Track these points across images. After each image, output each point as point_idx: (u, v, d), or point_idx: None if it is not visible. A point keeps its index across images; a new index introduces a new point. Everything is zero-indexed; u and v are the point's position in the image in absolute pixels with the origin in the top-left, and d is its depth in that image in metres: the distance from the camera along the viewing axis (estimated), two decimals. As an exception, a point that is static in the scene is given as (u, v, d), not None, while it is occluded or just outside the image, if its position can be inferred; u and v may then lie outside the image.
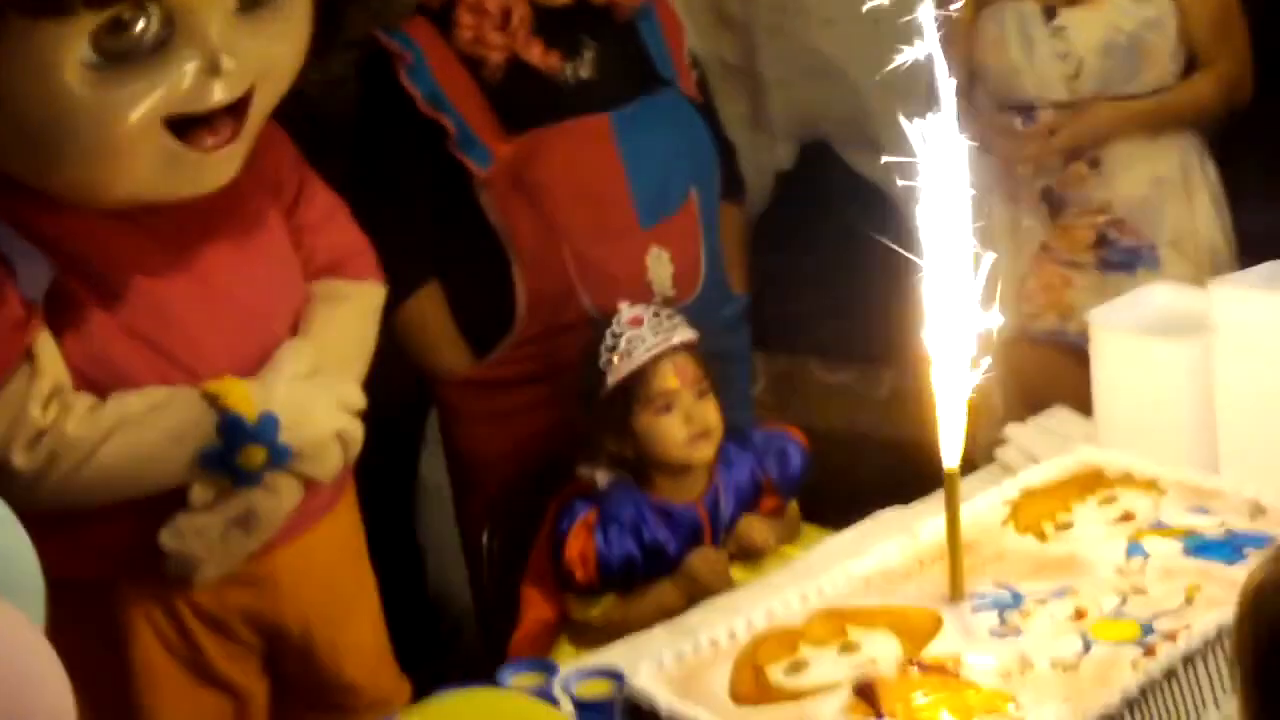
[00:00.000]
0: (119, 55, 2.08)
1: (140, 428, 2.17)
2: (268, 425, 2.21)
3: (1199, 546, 2.05)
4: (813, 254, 3.69)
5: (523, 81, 2.79)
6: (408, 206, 2.81)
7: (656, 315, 2.60)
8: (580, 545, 2.54)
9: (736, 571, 2.57)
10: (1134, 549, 2.07)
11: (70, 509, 2.17)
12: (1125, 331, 2.38)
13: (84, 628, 2.20)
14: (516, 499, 2.77)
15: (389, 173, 2.81)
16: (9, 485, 2.07)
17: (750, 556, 2.59)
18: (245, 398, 2.21)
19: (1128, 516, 2.16)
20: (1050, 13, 2.99)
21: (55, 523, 2.00)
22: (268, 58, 2.22)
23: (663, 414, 2.56)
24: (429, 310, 2.86)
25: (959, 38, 2.99)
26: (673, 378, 2.56)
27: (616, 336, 2.57)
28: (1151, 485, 2.22)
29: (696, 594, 2.44)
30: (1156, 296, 2.49)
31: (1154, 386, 2.33)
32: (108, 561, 2.26)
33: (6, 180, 2.16)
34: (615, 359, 2.56)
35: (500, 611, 2.68)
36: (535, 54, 2.79)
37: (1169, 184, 3.03)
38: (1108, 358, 2.39)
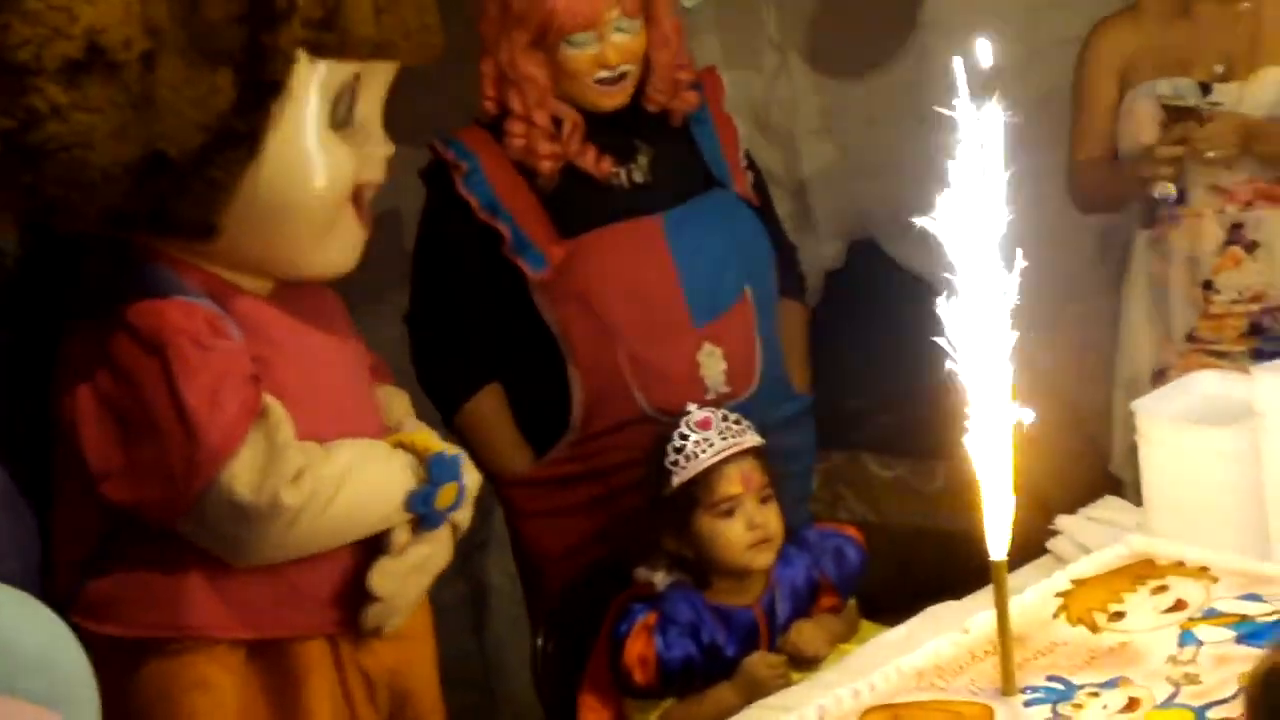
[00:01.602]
0: (339, 120, 2.22)
1: (363, 470, 2.25)
2: (457, 463, 2.36)
3: (1252, 633, 2.05)
4: (863, 350, 3.72)
5: (577, 186, 2.85)
6: (467, 309, 2.87)
7: (725, 419, 2.62)
8: (640, 648, 2.55)
9: (793, 674, 2.57)
10: (1186, 637, 2.07)
11: (305, 552, 2.24)
12: (1172, 419, 2.38)
13: (269, 698, 2.28)
14: (575, 601, 2.79)
15: (450, 277, 2.88)
16: (268, 527, 2.16)
17: (804, 665, 2.59)
18: (436, 443, 2.37)
19: (1180, 605, 2.16)
20: (1205, 89, 3.05)
21: (272, 574, 2.15)
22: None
23: (725, 518, 2.57)
24: (490, 411, 2.91)
25: (1100, 118, 3.11)
26: (738, 483, 2.58)
27: (684, 438, 2.60)
28: (1203, 573, 2.22)
29: (755, 697, 2.44)
30: (1204, 384, 2.49)
31: (1202, 473, 2.32)
32: (313, 614, 2.31)
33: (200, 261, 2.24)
34: (682, 460, 2.59)
35: (561, 717, 2.69)
36: (589, 161, 2.85)
37: None
38: (1156, 445, 2.39)
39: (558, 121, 2.84)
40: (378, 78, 2.28)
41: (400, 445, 2.33)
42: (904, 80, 3.67)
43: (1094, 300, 3.50)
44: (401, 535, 2.30)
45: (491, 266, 2.84)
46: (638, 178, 2.89)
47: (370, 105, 2.28)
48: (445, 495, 2.32)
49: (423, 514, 2.31)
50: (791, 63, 3.95)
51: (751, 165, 3.06)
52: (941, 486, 3.73)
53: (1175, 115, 3.02)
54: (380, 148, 2.30)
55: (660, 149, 2.91)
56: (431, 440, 2.38)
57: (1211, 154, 3.00)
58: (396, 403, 2.52)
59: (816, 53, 3.93)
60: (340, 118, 2.22)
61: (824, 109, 3.94)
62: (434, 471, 2.31)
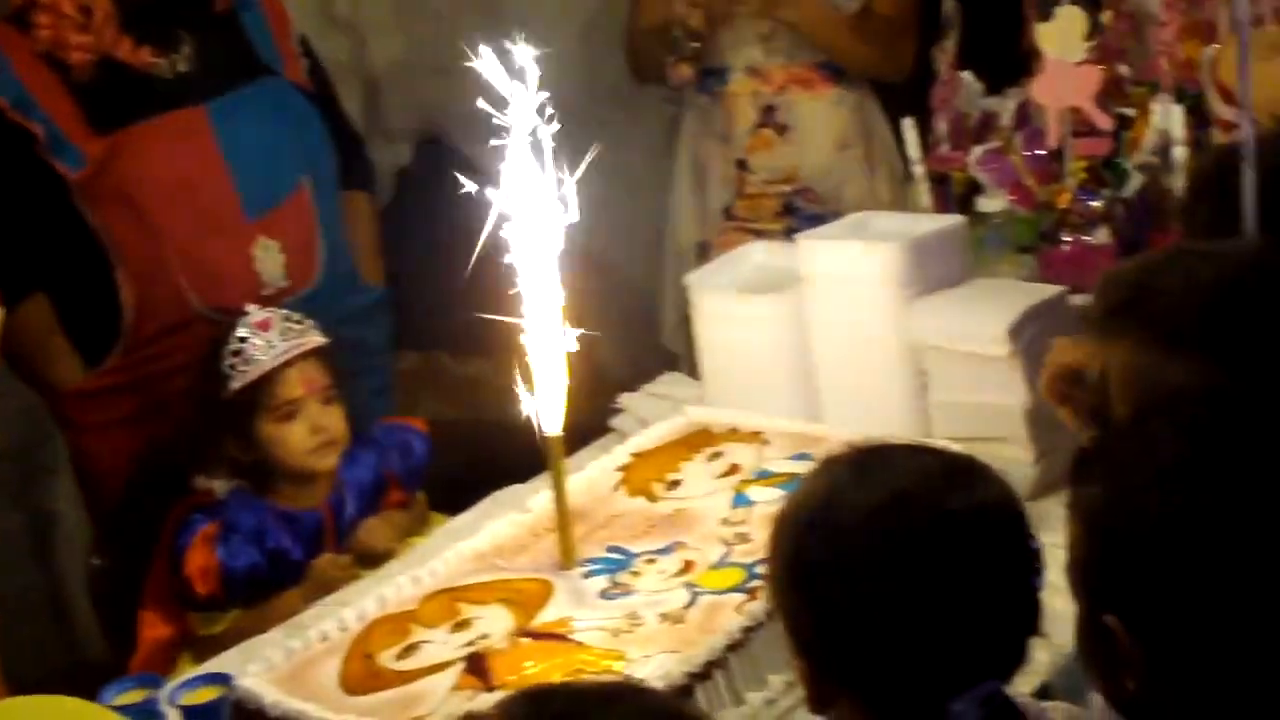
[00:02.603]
0: None
1: None
2: None
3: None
4: (435, 249, 3.66)
5: (115, 79, 2.68)
6: (1, 217, 2.68)
7: (286, 319, 2.52)
8: (201, 558, 2.44)
9: (364, 572, 2.51)
10: (739, 499, 2.10)
11: None
12: (722, 290, 2.41)
13: None
14: (131, 514, 2.65)
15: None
16: None
17: (372, 562, 2.54)
18: None
19: (734, 469, 2.19)
20: None
21: None
22: None
23: (286, 421, 2.49)
24: (36, 322, 2.72)
25: None
26: (299, 385, 2.49)
27: (243, 340, 2.49)
28: (756, 437, 2.26)
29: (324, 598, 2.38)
30: (754, 255, 2.53)
31: (754, 342, 2.37)
32: None
33: None
34: (240, 363, 2.48)
35: (121, 636, 2.56)
36: (125, 50, 2.69)
37: (852, 153, 3.16)
38: (708, 318, 2.42)
39: (88, 10, 2.67)
40: None
41: None
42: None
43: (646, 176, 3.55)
44: None
45: (26, 169, 2.66)
46: (181, 67, 2.74)
47: None
48: None
49: None
50: (355, -47, 3.85)
51: (308, 52, 2.95)
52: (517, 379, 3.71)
53: None
54: None
55: (203, 36, 2.77)
56: None
57: (739, 10, 3.06)
58: None
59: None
60: None
61: (394, 3, 3.84)
62: None
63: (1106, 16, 2.78)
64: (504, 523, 2.12)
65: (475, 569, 2.04)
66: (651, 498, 2.16)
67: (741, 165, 3.21)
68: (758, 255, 2.50)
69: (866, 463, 1.43)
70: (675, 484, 2.18)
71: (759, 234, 3.11)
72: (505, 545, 2.08)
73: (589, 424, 2.49)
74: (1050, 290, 2.25)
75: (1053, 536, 1.38)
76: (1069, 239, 2.61)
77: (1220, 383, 1.48)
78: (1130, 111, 2.72)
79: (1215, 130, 2.58)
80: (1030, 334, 2.15)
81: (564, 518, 2.01)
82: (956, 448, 2.03)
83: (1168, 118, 2.61)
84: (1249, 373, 1.47)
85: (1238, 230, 1.70)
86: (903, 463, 1.42)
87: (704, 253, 3.20)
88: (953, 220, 2.37)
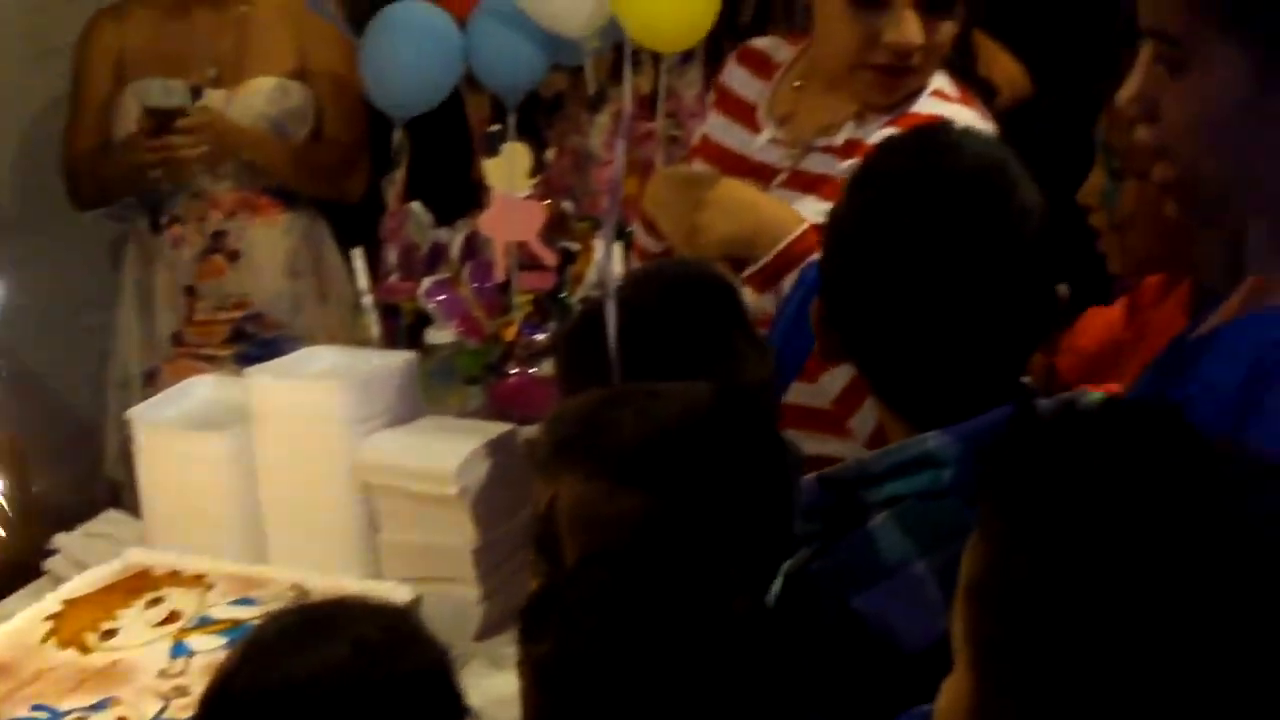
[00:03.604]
0: None
1: None
2: None
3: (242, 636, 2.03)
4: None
5: None
6: None
7: None
8: None
9: None
10: (179, 649, 2.02)
11: None
12: (166, 425, 2.33)
13: None
14: None
15: None
16: None
17: None
18: None
19: (174, 616, 2.10)
20: (197, 92, 3.07)
21: None
22: None
23: None
24: None
25: (92, 112, 3.15)
26: None
27: None
28: (199, 580, 2.18)
29: None
30: (201, 388, 2.46)
31: (199, 479, 2.29)
32: None
33: None
34: None
35: None
36: None
37: (304, 280, 3.16)
38: (151, 454, 2.33)
39: None
40: None
41: None
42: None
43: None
44: None
45: None
46: None
47: None
48: None
49: None
50: None
51: None
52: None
53: (160, 117, 2.99)
54: None
55: None
56: None
57: (188, 153, 3.01)
58: None
59: None
60: None
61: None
62: None
63: (551, 153, 2.88)
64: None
65: None
66: (84, 649, 2.04)
67: (190, 291, 3.14)
68: (205, 388, 2.43)
69: (306, 623, 1.41)
70: (111, 633, 2.07)
71: (210, 360, 3.05)
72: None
73: (22, 566, 2.35)
74: (498, 428, 2.29)
75: (507, 677, 1.38)
76: (515, 371, 2.68)
77: (661, 518, 1.53)
78: (574, 246, 2.82)
79: (633, 257, 2.67)
80: (478, 473, 2.18)
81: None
82: (405, 590, 2.06)
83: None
84: (688, 508, 1.53)
85: (607, 373, 1.76)
86: (345, 627, 1.40)
87: (152, 379, 3.11)
88: (402, 356, 2.38)
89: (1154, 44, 1.33)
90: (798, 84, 2.22)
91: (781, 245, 1.96)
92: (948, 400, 1.49)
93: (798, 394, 1.98)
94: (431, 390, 2.59)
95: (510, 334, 2.67)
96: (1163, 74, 1.32)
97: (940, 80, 2.14)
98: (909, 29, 2.04)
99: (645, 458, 1.53)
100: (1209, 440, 1.03)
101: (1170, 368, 1.42)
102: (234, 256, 3.13)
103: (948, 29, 2.08)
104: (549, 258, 2.69)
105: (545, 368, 2.67)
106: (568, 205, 2.87)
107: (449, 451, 2.18)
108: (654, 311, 1.81)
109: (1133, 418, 1.05)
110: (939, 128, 1.67)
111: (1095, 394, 1.65)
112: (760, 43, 2.32)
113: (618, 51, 2.71)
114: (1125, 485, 0.99)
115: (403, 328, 2.73)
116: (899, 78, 2.09)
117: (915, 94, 2.12)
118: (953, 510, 1.42)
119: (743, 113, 2.26)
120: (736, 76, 2.28)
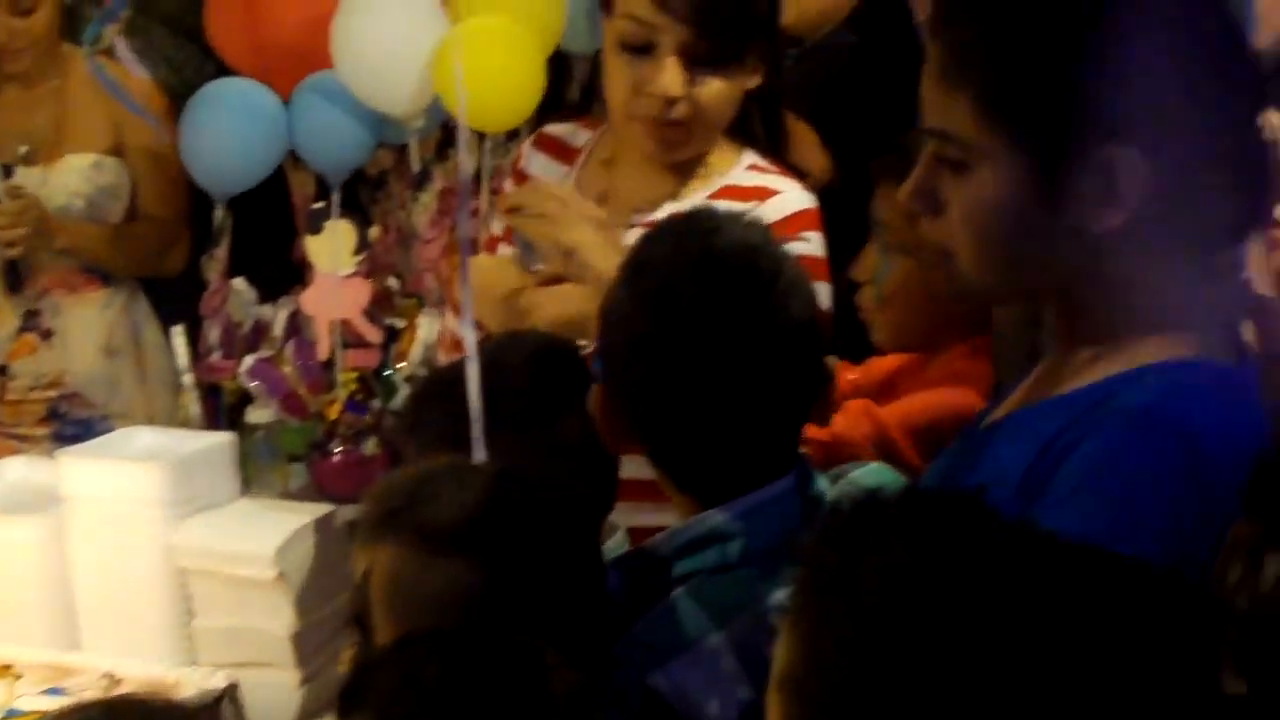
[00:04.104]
0: None
1: None
2: None
3: (46, 731, 1.97)
4: None
5: None
6: None
7: None
8: None
9: None
10: (-14, 742, 1.96)
11: None
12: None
13: None
14: None
15: None
16: None
17: None
18: None
19: (-11, 709, 2.04)
20: (8, 171, 3.01)
21: None
22: None
23: None
24: None
25: None
26: None
27: None
28: (6, 671, 2.11)
29: None
30: (11, 471, 2.39)
31: (7, 566, 2.22)
32: None
33: None
34: None
35: None
36: None
37: (122, 358, 3.11)
38: (-42, 539, 2.25)
39: None
40: None
41: None
42: None
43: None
44: None
45: None
46: None
47: None
48: None
49: None
50: None
51: None
52: None
53: None
54: None
55: None
56: None
57: (5, 236, 2.96)
58: None
59: None
60: None
61: None
62: None
63: (374, 231, 2.87)
64: None
65: None
66: None
67: (3, 371, 3.07)
68: (16, 471, 2.36)
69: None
70: (-100, 724, 2.00)
71: (24, 440, 2.97)
72: None
73: None
74: (318, 509, 2.25)
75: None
76: (340, 449, 2.65)
77: (477, 592, 1.52)
78: (399, 323, 2.80)
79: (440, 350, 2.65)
80: (298, 555, 2.14)
81: None
82: (221, 676, 2.02)
83: (433, 330, 2.70)
84: (504, 581, 1.52)
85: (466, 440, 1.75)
86: None
87: None
88: (220, 438, 2.33)
89: (936, 143, 1.37)
90: (607, 158, 2.21)
91: None
92: (728, 477, 1.53)
93: (628, 467, 1.98)
94: (253, 468, 2.55)
95: (334, 412, 2.64)
96: (945, 171, 1.37)
97: (752, 156, 2.16)
98: (667, 78, 2.02)
99: (461, 530, 1.53)
100: (1010, 524, 1.05)
101: (963, 453, 1.45)
102: (48, 335, 3.07)
103: (717, 86, 2.05)
104: (373, 335, 2.67)
105: (370, 446, 2.65)
106: (392, 282, 2.85)
107: (268, 534, 2.14)
108: (518, 372, 1.79)
109: (935, 507, 1.06)
110: (700, 213, 1.69)
111: (866, 467, 1.69)
112: (555, 129, 2.29)
113: (444, 130, 2.72)
114: (933, 575, 1.00)
115: (224, 407, 2.69)
116: (669, 129, 2.07)
117: (730, 167, 2.13)
118: (745, 582, 1.46)
119: None
120: (536, 162, 2.25)
